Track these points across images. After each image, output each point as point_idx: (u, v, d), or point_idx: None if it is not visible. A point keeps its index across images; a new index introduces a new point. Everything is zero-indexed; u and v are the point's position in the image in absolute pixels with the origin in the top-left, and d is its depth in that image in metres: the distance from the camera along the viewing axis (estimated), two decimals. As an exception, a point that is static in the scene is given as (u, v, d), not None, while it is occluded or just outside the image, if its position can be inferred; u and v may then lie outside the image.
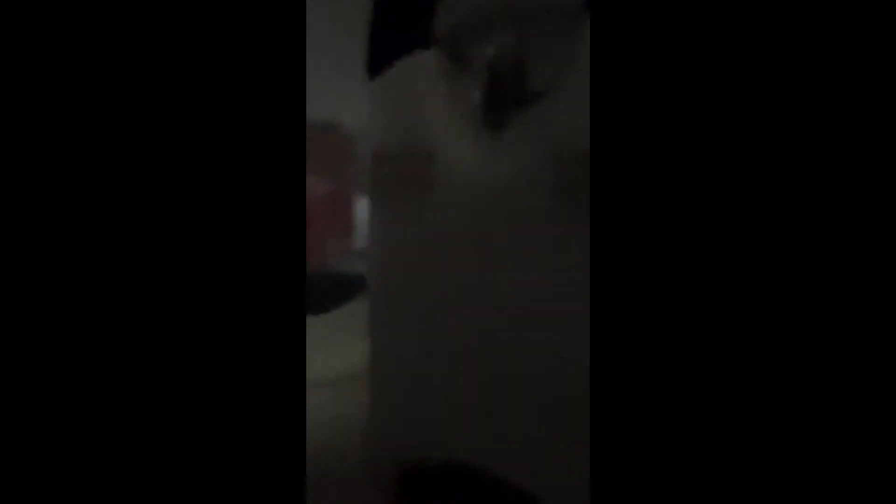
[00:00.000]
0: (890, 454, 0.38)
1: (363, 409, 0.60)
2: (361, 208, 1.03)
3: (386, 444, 0.58)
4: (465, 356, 0.52)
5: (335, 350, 0.79)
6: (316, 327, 0.73)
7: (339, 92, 0.84)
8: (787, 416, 0.39)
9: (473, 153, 0.52)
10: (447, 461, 0.54)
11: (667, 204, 0.39)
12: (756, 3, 0.39)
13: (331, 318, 0.89)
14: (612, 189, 0.39)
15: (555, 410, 0.49)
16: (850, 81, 0.39)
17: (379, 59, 0.58)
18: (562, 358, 0.49)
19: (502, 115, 0.51)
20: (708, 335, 0.39)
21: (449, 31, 0.53)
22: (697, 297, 0.39)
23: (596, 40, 0.40)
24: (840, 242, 0.39)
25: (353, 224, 1.04)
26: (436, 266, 0.53)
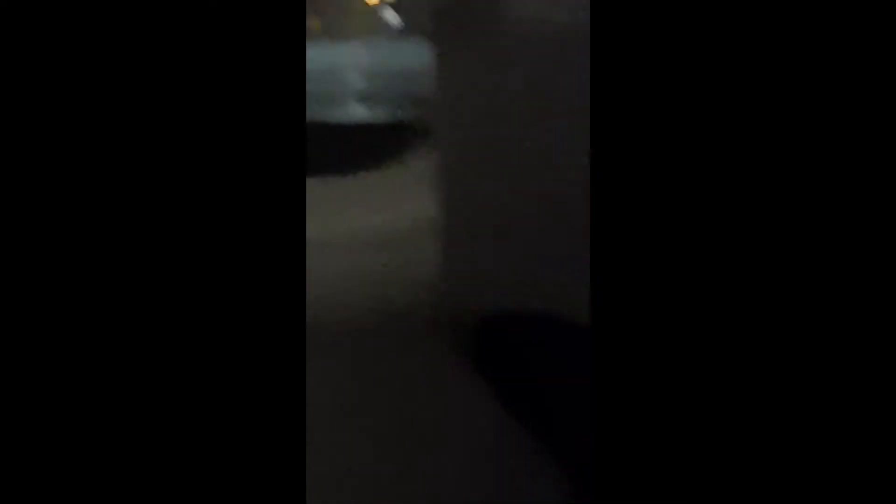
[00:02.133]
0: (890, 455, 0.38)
1: (430, 263, 0.58)
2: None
3: (459, 298, 0.56)
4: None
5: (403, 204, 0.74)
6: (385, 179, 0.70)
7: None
8: (793, 412, 0.39)
9: None
10: (521, 312, 0.53)
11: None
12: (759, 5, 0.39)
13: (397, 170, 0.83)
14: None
15: None
16: (849, 76, 0.39)
17: None
18: None
19: None
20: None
21: None
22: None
23: (596, 38, 0.40)
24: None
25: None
26: (505, 116, 0.52)
